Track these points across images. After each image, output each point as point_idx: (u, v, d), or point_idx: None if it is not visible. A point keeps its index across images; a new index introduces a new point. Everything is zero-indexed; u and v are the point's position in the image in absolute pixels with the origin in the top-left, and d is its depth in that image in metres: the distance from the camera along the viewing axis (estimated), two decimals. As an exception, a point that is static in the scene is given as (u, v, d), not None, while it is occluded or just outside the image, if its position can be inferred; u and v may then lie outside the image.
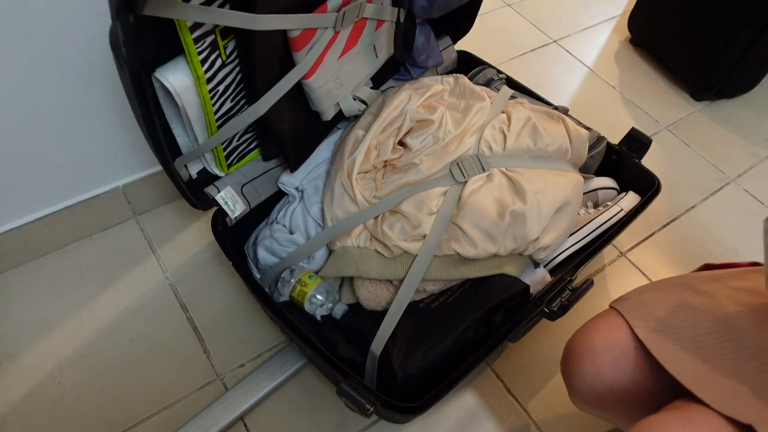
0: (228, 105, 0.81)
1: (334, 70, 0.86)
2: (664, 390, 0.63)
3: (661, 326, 0.65)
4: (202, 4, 0.63)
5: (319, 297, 0.88)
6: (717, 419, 0.54)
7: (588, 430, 0.92)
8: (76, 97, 0.88)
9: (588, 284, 0.86)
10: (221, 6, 0.66)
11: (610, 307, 0.72)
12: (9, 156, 0.89)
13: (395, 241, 0.85)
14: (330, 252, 0.92)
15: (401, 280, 0.85)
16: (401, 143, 0.94)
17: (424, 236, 0.85)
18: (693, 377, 0.59)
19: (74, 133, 0.92)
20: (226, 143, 0.87)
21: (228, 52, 0.75)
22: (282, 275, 0.91)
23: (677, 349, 0.62)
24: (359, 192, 0.89)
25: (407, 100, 0.96)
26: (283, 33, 0.76)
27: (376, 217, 0.88)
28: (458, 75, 1.05)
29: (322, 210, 0.92)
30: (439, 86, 1.00)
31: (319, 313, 0.88)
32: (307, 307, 0.88)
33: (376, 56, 0.95)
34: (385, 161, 0.93)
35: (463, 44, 1.19)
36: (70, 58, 0.83)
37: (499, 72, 1.17)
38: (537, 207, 0.86)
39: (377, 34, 0.91)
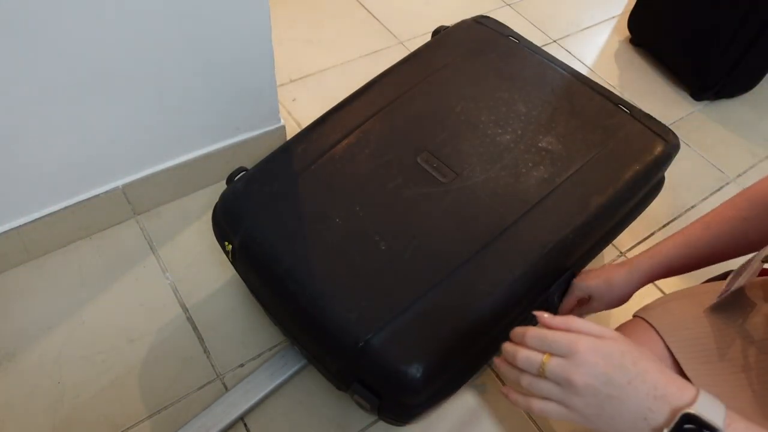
0: None
1: None
2: None
3: (691, 338, 0.62)
4: None
5: None
6: None
7: (587, 429, 0.92)
8: (75, 96, 0.88)
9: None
10: None
11: (636, 316, 0.69)
12: (9, 156, 0.88)
13: None
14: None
15: None
16: None
17: None
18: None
19: (73, 132, 0.92)
20: None
21: None
22: None
23: (704, 362, 0.60)
24: None
25: None
26: None
27: None
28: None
29: None
30: None
31: None
32: None
33: None
34: None
35: (463, 44, 1.19)
36: (70, 59, 0.83)
37: (499, 72, 1.16)
38: None
39: None
